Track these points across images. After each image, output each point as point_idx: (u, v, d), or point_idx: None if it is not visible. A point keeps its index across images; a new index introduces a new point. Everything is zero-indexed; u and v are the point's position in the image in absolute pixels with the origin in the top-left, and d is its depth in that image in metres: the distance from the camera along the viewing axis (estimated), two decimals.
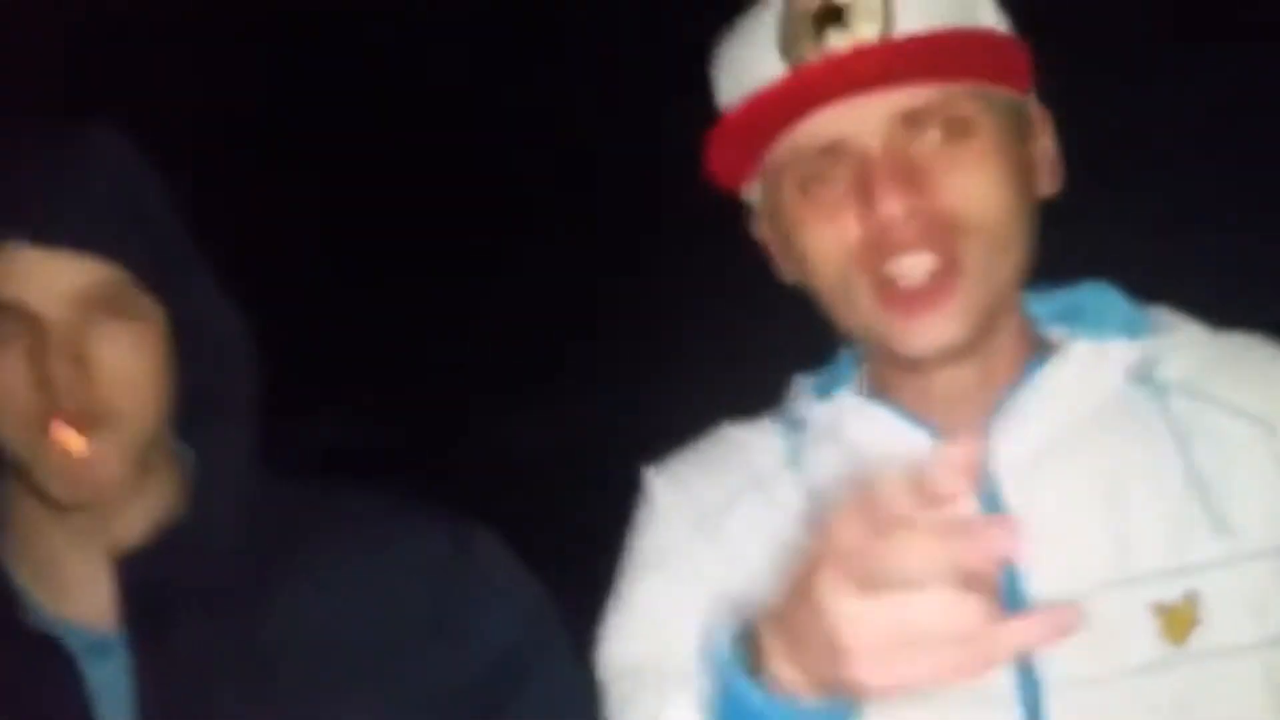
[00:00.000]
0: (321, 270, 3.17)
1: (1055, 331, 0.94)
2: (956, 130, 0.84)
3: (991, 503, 0.86)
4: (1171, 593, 0.83)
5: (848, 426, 0.92)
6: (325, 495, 1.04)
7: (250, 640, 0.95)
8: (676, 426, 1.01)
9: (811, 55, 0.83)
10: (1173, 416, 0.88)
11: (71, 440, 0.88)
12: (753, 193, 0.92)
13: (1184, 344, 0.91)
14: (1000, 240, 0.85)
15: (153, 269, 0.92)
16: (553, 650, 1.01)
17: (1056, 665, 0.83)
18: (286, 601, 0.96)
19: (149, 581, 0.93)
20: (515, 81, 3.30)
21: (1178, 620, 0.83)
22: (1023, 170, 0.87)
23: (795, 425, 0.96)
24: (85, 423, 0.88)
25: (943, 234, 0.83)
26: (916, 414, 0.90)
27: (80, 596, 0.95)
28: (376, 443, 2.97)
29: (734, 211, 0.96)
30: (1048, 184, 0.91)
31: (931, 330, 0.84)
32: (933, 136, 0.84)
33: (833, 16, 0.83)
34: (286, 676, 0.94)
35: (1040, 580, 0.83)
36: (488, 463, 2.97)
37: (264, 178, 2.97)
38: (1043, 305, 0.96)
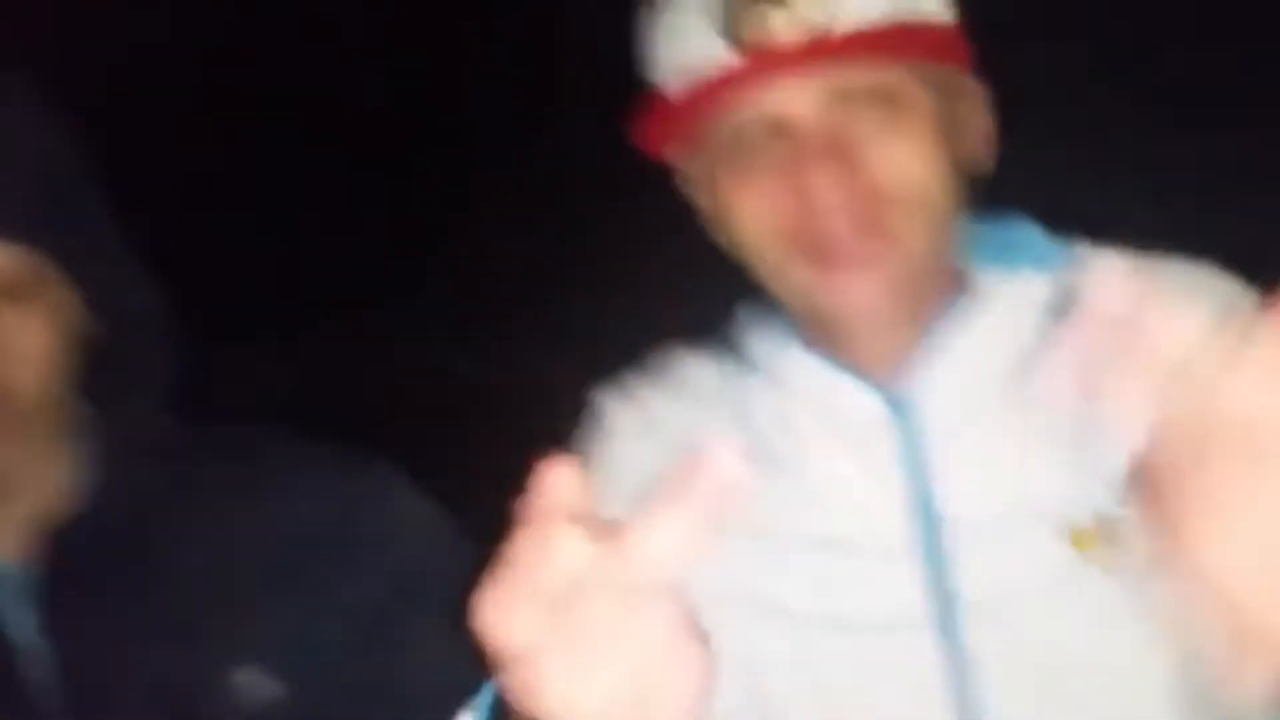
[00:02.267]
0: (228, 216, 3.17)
1: (977, 265, 0.96)
2: (890, 106, 0.86)
3: (914, 436, 0.90)
4: (1082, 516, 0.86)
5: (780, 366, 0.96)
6: (230, 437, 1.07)
7: (158, 567, 0.97)
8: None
9: (752, 36, 0.84)
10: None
11: None
12: (683, 160, 0.94)
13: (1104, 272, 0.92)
14: (932, 210, 0.88)
15: (64, 249, 0.92)
16: (447, 574, 1.00)
17: (969, 583, 0.86)
18: (191, 531, 0.99)
19: (59, 534, 0.96)
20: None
21: (1088, 539, 0.86)
22: (955, 144, 0.89)
23: (740, 357, 0.99)
24: None
25: (876, 204, 0.85)
26: (842, 354, 0.93)
27: None
28: (280, 383, 2.94)
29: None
30: (982, 156, 0.93)
31: (860, 299, 0.87)
32: (867, 112, 0.85)
33: None
34: (188, 596, 0.96)
35: (955, 505, 0.88)
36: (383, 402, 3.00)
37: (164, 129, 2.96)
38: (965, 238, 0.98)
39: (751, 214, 0.88)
